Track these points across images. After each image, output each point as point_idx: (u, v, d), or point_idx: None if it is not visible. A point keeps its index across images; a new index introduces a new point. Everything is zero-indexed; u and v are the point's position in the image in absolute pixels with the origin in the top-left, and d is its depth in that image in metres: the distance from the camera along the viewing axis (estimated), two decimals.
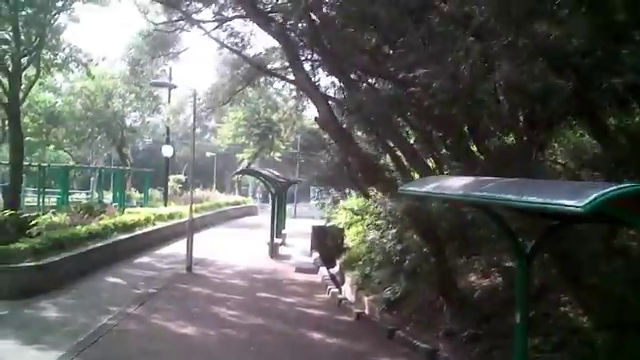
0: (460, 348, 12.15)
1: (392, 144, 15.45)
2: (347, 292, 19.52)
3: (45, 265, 16.87)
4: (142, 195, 44.41)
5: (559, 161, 14.15)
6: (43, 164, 36.61)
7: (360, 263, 19.57)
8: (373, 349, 12.81)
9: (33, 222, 19.59)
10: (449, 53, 9.06)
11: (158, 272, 21.14)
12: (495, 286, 13.74)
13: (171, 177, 47.83)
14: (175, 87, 31.02)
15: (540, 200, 5.91)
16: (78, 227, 21.31)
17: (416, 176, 15.77)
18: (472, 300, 13.53)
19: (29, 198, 37.95)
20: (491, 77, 8.70)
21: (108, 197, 41.44)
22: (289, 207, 44.04)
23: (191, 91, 24.27)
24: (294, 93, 24.06)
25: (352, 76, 15.96)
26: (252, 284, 19.86)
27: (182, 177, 51.70)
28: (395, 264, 15.20)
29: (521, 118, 11.40)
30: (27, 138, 43.80)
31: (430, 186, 8.20)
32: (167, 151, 39.73)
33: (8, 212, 19.40)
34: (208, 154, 59.70)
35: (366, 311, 16.22)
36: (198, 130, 57.38)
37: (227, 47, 22.14)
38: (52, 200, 38.49)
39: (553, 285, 11.73)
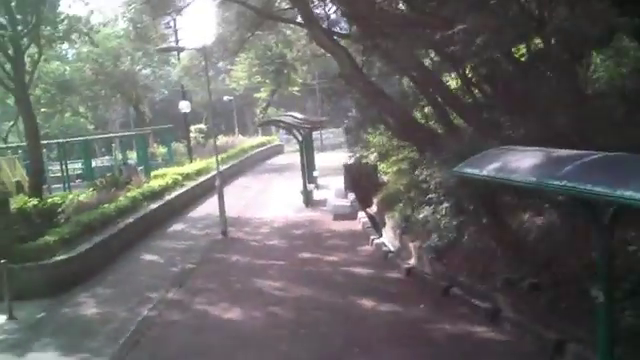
0: (521, 301, 11.24)
1: (430, 90, 14.26)
2: (389, 237, 18.74)
3: (77, 256, 16.28)
4: (166, 151, 43.79)
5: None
6: (62, 140, 35.84)
7: (400, 205, 18.63)
8: (430, 314, 11.98)
9: (59, 209, 18.86)
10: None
11: (194, 241, 20.55)
12: (550, 225, 12.74)
13: (192, 127, 46.97)
14: (182, 49, 29.64)
15: None
16: (106, 205, 20.67)
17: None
18: (528, 243, 12.60)
19: (54, 167, 37.61)
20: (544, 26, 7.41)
21: (132, 157, 40.89)
22: (315, 136, 42.90)
23: (200, 48, 23.14)
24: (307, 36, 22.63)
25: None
26: (291, 242, 19.14)
27: (203, 126, 50.74)
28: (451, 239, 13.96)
29: None
30: (42, 109, 43.24)
31: (492, 167, 7.01)
32: (184, 107, 38.58)
33: (32, 201, 18.69)
34: (226, 98, 58.31)
35: (414, 261, 15.42)
36: (211, 73, 56.01)
37: None
38: (77, 167, 38.13)
39: None
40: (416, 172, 15.22)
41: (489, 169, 7.11)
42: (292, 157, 40.25)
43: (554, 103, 9.92)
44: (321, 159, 35.68)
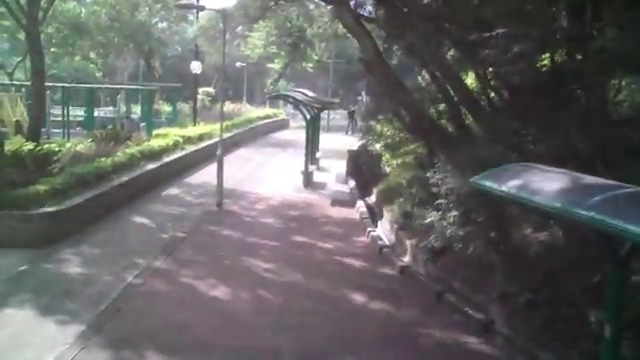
0: (516, 316, 10.93)
1: (448, 87, 13.77)
2: (386, 230, 18.42)
3: (67, 209, 15.80)
4: (171, 109, 43.22)
5: None
6: (67, 85, 35.18)
7: (401, 199, 18.24)
8: (421, 316, 11.68)
9: (55, 157, 18.41)
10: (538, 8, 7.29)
11: (187, 208, 20.08)
12: (554, 241, 12.37)
13: (200, 90, 46.37)
14: (203, 8, 28.96)
15: None
16: (103, 159, 20.17)
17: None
18: (528, 257, 12.22)
19: (56, 111, 37.04)
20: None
21: (136, 112, 40.30)
22: (322, 115, 42.42)
23: (220, 10, 22.59)
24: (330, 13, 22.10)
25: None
26: (286, 224, 18.69)
27: (211, 90, 50.06)
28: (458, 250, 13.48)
29: None
30: (52, 49, 42.57)
31: (513, 184, 6.60)
32: (196, 67, 37.94)
33: (28, 146, 18.23)
34: (238, 64, 57.63)
35: (408, 259, 15.08)
36: (228, 36, 55.59)
37: None
38: (79, 114, 37.50)
39: None
40: (427, 174, 14.70)
41: (510, 186, 6.71)
42: (297, 133, 39.71)
43: (581, 123, 9.46)
44: (325, 140, 35.07)
